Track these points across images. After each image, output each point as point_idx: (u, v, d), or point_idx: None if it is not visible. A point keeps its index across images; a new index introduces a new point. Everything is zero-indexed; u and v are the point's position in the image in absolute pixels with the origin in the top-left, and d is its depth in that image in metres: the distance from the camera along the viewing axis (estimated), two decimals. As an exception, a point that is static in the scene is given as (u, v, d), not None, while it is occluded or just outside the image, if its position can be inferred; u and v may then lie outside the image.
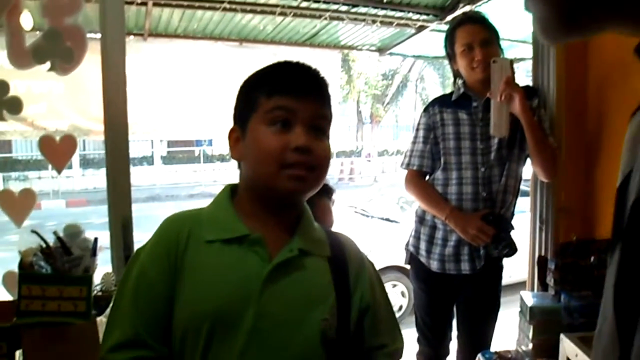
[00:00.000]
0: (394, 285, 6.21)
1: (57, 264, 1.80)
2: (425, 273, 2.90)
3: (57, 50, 2.08)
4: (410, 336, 3.20)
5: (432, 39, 5.73)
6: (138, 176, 16.95)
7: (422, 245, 2.89)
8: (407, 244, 3.01)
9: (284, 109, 1.19)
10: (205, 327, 1.16)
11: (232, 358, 1.16)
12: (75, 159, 17.97)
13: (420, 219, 2.94)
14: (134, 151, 19.14)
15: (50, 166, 2.34)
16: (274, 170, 1.18)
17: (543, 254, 2.92)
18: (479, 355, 2.64)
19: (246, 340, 1.16)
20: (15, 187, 2.30)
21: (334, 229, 1.92)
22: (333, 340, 1.22)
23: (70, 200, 15.57)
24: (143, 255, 1.25)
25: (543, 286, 2.78)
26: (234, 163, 1.32)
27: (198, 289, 1.18)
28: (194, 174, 19.75)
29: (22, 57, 2.11)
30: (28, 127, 5.77)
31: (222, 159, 20.79)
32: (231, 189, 1.31)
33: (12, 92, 2.15)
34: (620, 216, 0.49)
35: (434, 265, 2.84)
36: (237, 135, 1.27)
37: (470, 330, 2.94)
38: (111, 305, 1.26)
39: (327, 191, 1.96)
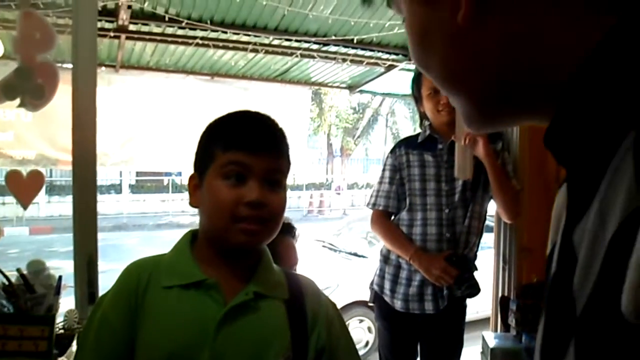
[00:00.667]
0: (361, 321, 6.17)
1: (20, 302, 1.79)
2: (389, 312, 2.92)
3: (28, 88, 2.10)
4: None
5: (402, 77, 5.85)
6: (105, 204, 16.75)
7: (387, 285, 2.92)
8: (372, 283, 3.04)
9: (238, 164, 1.22)
10: None
11: None
12: (41, 186, 17.61)
13: (385, 258, 2.97)
14: (102, 178, 18.89)
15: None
16: (226, 223, 1.22)
17: (506, 294, 2.97)
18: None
19: None
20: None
21: (299, 266, 1.95)
22: None
23: (33, 228, 15.28)
24: (105, 302, 1.28)
25: (505, 326, 2.82)
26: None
27: (155, 333, 1.21)
28: (162, 204, 19.60)
29: None
30: (-7, 156, 5.71)
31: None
32: (192, 235, 1.35)
33: None
34: (547, 282, 0.54)
35: (398, 304, 2.86)
36: (196, 183, 1.30)
37: None
38: (75, 350, 1.27)
39: (290, 230, 1.98)
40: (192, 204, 1.30)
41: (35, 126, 5.84)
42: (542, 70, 0.52)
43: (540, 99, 0.53)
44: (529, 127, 2.88)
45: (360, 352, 5.84)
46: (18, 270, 1.88)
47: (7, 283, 1.82)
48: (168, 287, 1.24)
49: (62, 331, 1.95)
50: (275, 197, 1.25)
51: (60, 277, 1.92)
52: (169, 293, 1.24)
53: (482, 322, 4.02)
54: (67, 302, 2.08)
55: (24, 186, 2.19)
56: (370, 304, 3.16)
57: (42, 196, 17.93)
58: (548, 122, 0.53)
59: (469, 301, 2.89)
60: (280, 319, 1.28)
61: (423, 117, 2.93)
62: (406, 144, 2.93)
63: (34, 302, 1.82)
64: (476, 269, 2.79)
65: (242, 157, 1.21)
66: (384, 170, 2.97)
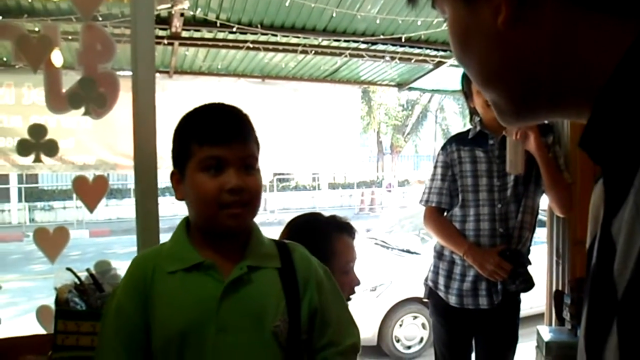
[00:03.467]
0: (415, 317, 6.17)
1: (91, 300, 1.89)
2: (444, 308, 2.94)
3: (91, 97, 2.20)
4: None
5: (451, 73, 5.82)
6: (161, 206, 16.91)
7: (441, 280, 2.94)
8: (426, 279, 3.06)
9: (215, 158, 1.33)
10: (175, 348, 1.32)
11: None
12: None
13: (439, 254, 2.99)
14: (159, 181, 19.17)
15: (74, 196, 2.44)
16: (213, 211, 1.34)
17: (560, 288, 2.95)
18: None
19: (212, 354, 1.33)
20: (46, 218, 2.38)
21: (357, 263, 2.01)
22: (286, 341, 1.38)
23: (93, 230, 15.75)
24: (119, 292, 1.42)
25: (560, 320, 2.80)
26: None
27: (166, 314, 1.35)
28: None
29: (59, 103, 2.23)
30: (57, 162, 5.94)
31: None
32: (187, 222, 1.47)
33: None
34: (588, 272, 0.58)
35: (452, 300, 2.88)
36: (178, 178, 1.42)
37: None
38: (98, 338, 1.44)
39: (349, 229, 2.04)
40: (178, 198, 1.42)
41: (95, 132, 6.05)
42: (577, 70, 0.56)
43: (574, 96, 0.58)
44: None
45: (415, 349, 6.17)
46: (88, 270, 1.99)
47: (78, 282, 1.93)
48: (172, 272, 1.37)
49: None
50: (252, 180, 1.37)
51: (126, 276, 2.01)
52: (174, 277, 1.37)
53: (537, 318, 3.98)
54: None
55: (90, 190, 2.30)
56: (425, 300, 3.18)
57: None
58: (579, 118, 0.57)
59: (522, 296, 2.89)
60: (274, 287, 1.41)
61: (473, 112, 2.93)
62: (457, 141, 2.95)
63: (103, 300, 1.92)
64: (530, 264, 2.78)
65: (218, 151, 1.33)
66: (435, 167, 2.99)
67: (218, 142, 1.34)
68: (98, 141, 6.13)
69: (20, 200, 17.54)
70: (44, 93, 2.27)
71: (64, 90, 2.25)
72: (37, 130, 2.22)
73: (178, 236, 1.45)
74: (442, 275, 2.93)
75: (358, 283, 2.01)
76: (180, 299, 1.35)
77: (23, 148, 2.21)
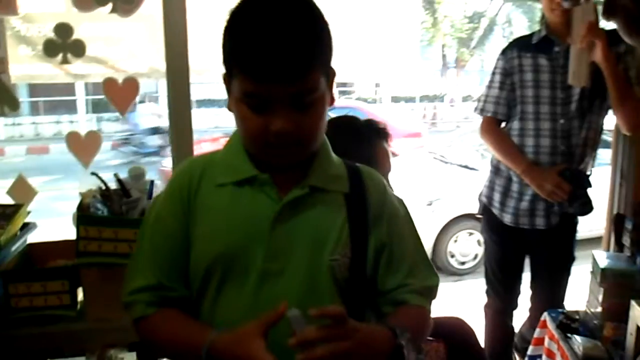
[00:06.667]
0: (470, 234, 6.15)
1: (114, 206, 1.83)
2: (498, 225, 2.81)
3: (117, -7, 2.08)
4: (480, 287, 3.14)
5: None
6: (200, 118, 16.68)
7: (496, 197, 2.79)
8: (481, 194, 2.92)
9: (258, 97, 1.07)
10: (218, 268, 1.17)
11: (245, 298, 1.16)
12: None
13: (495, 169, 2.82)
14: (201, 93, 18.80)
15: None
16: (259, 149, 1.15)
17: (622, 211, 2.75)
18: (546, 314, 2.54)
19: (257, 281, 1.15)
20: (112, 129, 2.33)
21: (392, 172, 1.84)
22: (346, 279, 1.19)
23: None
24: (160, 200, 1.26)
25: (619, 246, 2.64)
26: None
27: (208, 231, 1.18)
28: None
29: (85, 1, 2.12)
30: (109, 70, 5.91)
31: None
32: None
33: (94, 35, 2.17)
34: None
35: (507, 218, 2.74)
36: (227, 83, 1.17)
37: (542, 286, 2.84)
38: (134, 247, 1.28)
39: (385, 134, 1.86)
40: (229, 108, 1.17)
41: (147, 40, 5.97)
42: None
43: None
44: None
45: (469, 265, 6.20)
46: (115, 175, 1.92)
47: (104, 188, 1.86)
48: (221, 184, 1.20)
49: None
50: (306, 119, 1.10)
51: (152, 182, 1.94)
52: (222, 191, 1.19)
53: (594, 242, 3.79)
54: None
55: (120, 93, 2.22)
56: (478, 216, 3.06)
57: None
58: None
59: (580, 218, 2.72)
60: (338, 214, 1.21)
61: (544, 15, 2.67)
62: (519, 46, 2.70)
63: (129, 206, 1.86)
64: (590, 186, 2.59)
65: (262, 88, 1.05)
66: (493, 73, 2.77)
67: (262, 80, 1.04)
68: (151, 49, 6.05)
69: (87, 112, 17.83)
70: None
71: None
72: (63, 29, 2.12)
73: (232, 145, 1.24)
74: (498, 191, 2.78)
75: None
76: (226, 216, 1.18)
77: (49, 49, 2.12)
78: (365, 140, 1.78)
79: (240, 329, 1.06)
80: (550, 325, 2.46)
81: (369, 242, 1.22)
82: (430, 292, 1.29)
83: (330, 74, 1.15)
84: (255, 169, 1.18)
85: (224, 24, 1.10)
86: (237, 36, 1.07)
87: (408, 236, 1.30)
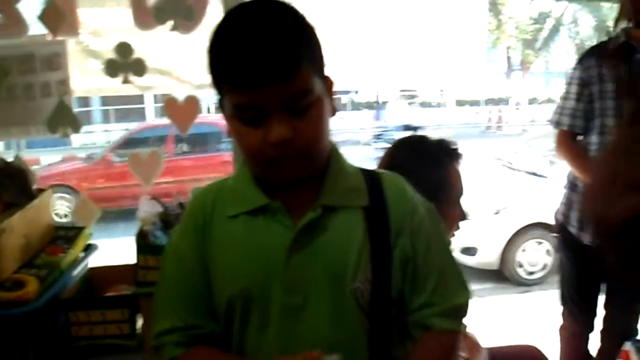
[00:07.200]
0: (539, 243, 5.93)
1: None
2: (576, 245, 2.62)
3: (179, 10, 2.08)
4: (552, 299, 2.97)
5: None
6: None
7: (573, 215, 2.61)
8: (557, 212, 2.75)
9: (252, 108, 1.01)
10: (237, 307, 1.11)
11: (271, 337, 1.10)
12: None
13: (572, 185, 2.64)
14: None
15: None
16: (262, 168, 1.08)
17: None
18: (629, 344, 2.35)
19: (279, 318, 1.09)
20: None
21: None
22: (369, 302, 1.10)
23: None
24: (177, 233, 1.22)
25: None
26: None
27: (224, 267, 1.12)
28: (340, 121, 19.90)
29: (145, 18, 2.12)
30: (174, 80, 5.99)
31: (368, 106, 20.70)
32: None
33: (159, 46, 2.20)
34: None
35: (587, 238, 2.55)
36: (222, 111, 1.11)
37: (617, 312, 2.66)
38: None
39: (456, 155, 1.73)
40: (229, 135, 1.11)
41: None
42: None
43: None
44: None
45: (538, 275, 5.97)
46: (176, 197, 1.87)
47: (162, 210, 1.82)
48: (233, 216, 1.13)
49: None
50: (304, 125, 1.03)
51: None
52: (236, 222, 1.12)
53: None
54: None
55: (180, 111, 2.19)
56: (554, 236, 2.87)
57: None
58: None
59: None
60: (356, 232, 1.11)
61: (620, 17, 2.48)
62: (598, 55, 2.51)
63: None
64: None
65: (253, 97, 0.99)
66: (569, 84, 2.57)
67: (252, 85, 0.98)
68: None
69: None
70: (131, 8, 2.13)
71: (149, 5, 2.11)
72: (124, 49, 2.10)
73: (240, 172, 1.18)
74: (576, 209, 2.60)
75: (465, 217, 1.73)
76: (240, 250, 1.11)
77: (111, 68, 2.11)
78: (436, 161, 1.67)
79: None
80: (634, 357, 2.28)
81: (393, 259, 1.13)
82: (458, 312, 1.19)
83: (326, 81, 1.10)
84: (266, 197, 1.11)
85: (209, 43, 1.05)
86: (220, 51, 1.03)
87: (435, 247, 1.18)
